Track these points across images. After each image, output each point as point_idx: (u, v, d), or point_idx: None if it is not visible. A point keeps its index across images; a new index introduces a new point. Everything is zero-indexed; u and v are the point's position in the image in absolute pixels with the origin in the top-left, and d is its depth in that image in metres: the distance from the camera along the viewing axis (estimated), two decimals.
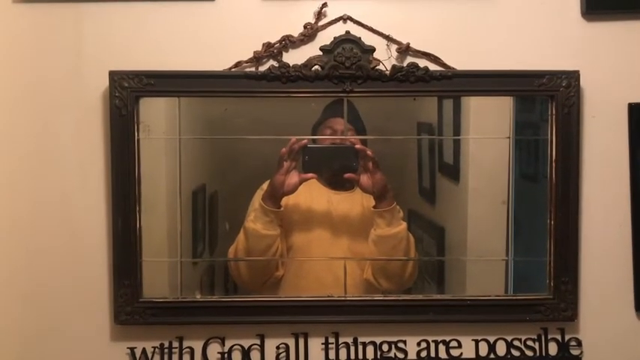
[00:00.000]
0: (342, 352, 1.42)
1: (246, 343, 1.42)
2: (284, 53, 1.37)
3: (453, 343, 1.43)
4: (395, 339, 1.43)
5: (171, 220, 1.42)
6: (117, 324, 1.38)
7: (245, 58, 1.36)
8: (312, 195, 1.44)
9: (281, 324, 1.40)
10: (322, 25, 1.37)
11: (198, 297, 1.43)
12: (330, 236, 1.44)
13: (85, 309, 1.41)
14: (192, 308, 1.40)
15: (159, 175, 1.42)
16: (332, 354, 1.42)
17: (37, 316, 1.42)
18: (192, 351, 1.42)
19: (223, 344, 1.42)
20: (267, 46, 1.36)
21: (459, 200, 1.45)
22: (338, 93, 1.35)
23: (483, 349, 1.43)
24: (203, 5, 1.37)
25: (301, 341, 1.42)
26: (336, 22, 1.37)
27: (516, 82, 1.36)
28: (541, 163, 1.39)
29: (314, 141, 1.40)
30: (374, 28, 1.37)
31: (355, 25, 1.37)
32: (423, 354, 1.43)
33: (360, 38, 1.34)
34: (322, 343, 1.42)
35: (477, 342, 1.43)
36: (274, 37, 1.36)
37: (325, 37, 1.36)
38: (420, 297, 1.43)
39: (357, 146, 1.38)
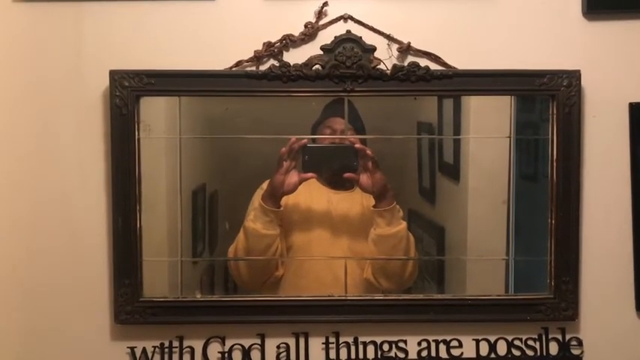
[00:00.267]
0: (343, 352, 1.42)
1: (246, 343, 1.42)
2: (285, 52, 1.37)
3: (454, 343, 1.43)
4: (395, 338, 1.43)
5: (171, 219, 1.41)
6: (117, 323, 1.38)
7: (246, 58, 1.36)
8: (311, 194, 1.44)
9: (281, 323, 1.40)
10: (323, 25, 1.37)
11: (198, 296, 1.43)
12: (329, 236, 1.44)
13: (85, 308, 1.41)
14: (193, 308, 1.40)
15: (159, 175, 1.42)
16: (332, 353, 1.42)
17: (38, 315, 1.42)
18: (192, 350, 1.42)
19: (224, 344, 1.42)
20: (268, 45, 1.36)
21: (459, 200, 1.45)
22: (339, 92, 1.35)
23: (484, 349, 1.43)
24: (203, 4, 1.37)
25: (302, 341, 1.42)
26: (336, 22, 1.37)
27: (517, 82, 1.36)
28: (541, 162, 1.39)
29: (314, 140, 1.40)
30: (375, 27, 1.37)
31: (356, 25, 1.37)
32: (424, 353, 1.43)
33: (360, 37, 1.34)
34: (323, 343, 1.42)
35: (477, 342, 1.43)
36: (275, 37, 1.36)
37: (326, 37, 1.36)
38: (421, 296, 1.43)
39: (357, 146, 1.38)
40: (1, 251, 1.41)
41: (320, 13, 1.37)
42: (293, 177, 1.39)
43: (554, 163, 1.36)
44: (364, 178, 1.40)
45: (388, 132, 1.42)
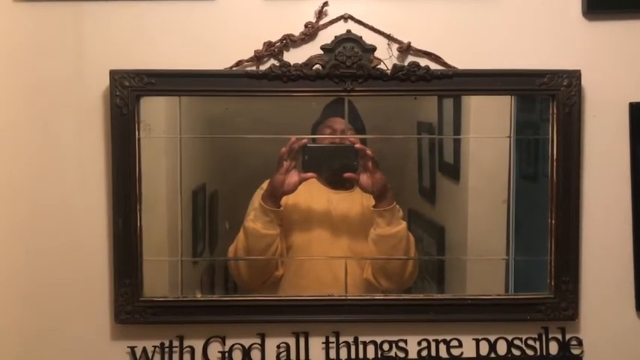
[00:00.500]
0: (343, 352, 1.42)
1: (246, 343, 1.42)
2: (285, 52, 1.37)
3: (454, 343, 1.43)
4: (395, 338, 1.43)
5: (171, 219, 1.41)
6: (117, 323, 1.38)
7: (246, 57, 1.36)
8: (311, 194, 1.44)
9: (281, 323, 1.40)
10: (323, 24, 1.37)
11: (198, 296, 1.43)
12: (329, 236, 1.44)
13: (85, 308, 1.41)
14: (193, 307, 1.40)
15: (159, 175, 1.42)
16: (332, 353, 1.42)
17: (38, 315, 1.42)
18: (192, 350, 1.42)
19: (224, 343, 1.42)
20: (268, 45, 1.36)
21: (460, 199, 1.45)
22: (339, 92, 1.35)
23: (484, 349, 1.43)
24: (204, 4, 1.37)
25: (302, 340, 1.42)
26: (337, 22, 1.37)
27: (517, 82, 1.36)
28: (541, 162, 1.39)
29: (314, 140, 1.40)
30: (375, 27, 1.37)
31: (356, 25, 1.37)
32: (424, 353, 1.43)
33: (361, 37, 1.34)
34: (323, 343, 1.42)
35: (477, 341, 1.43)
36: (275, 36, 1.36)
37: (326, 36, 1.36)
38: (421, 296, 1.43)
39: (357, 146, 1.38)
40: (1, 250, 1.41)
41: (320, 13, 1.37)
42: (293, 177, 1.39)
43: (555, 163, 1.36)
44: (364, 178, 1.40)
45: (388, 132, 1.42)
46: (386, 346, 1.43)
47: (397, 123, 1.42)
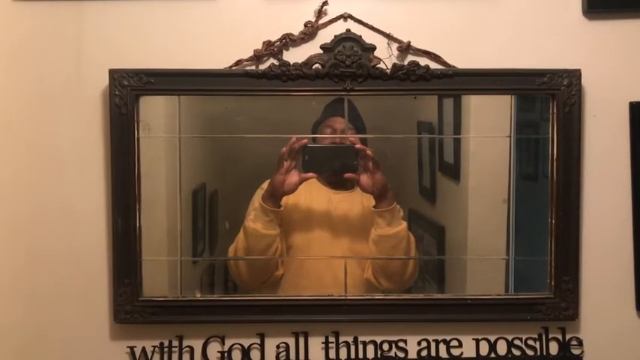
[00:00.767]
0: (343, 352, 1.42)
1: (246, 343, 1.42)
2: (284, 52, 1.37)
3: (454, 343, 1.43)
4: (395, 338, 1.43)
5: (171, 218, 1.41)
6: (117, 323, 1.38)
7: (245, 57, 1.36)
8: (312, 194, 1.44)
9: (281, 323, 1.40)
10: (323, 24, 1.37)
11: (198, 296, 1.42)
12: (330, 236, 1.44)
13: (84, 308, 1.41)
14: (192, 307, 1.40)
15: (159, 174, 1.41)
16: (332, 353, 1.42)
17: (37, 314, 1.42)
18: (192, 350, 1.41)
19: (223, 343, 1.42)
20: (268, 44, 1.36)
21: (460, 199, 1.45)
22: (338, 91, 1.35)
23: (484, 349, 1.43)
24: (203, 3, 1.37)
25: (301, 340, 1.42)
26: (336, 21, 1.37)
27: (517, 81, 1.36)
28: (542, 162, 1.39)
29: (314, 140, 1.40)
30: (374, 26, 1.37)
31: (356, 24, 1.37)
32: (424, 353, 1.43)
33: (360, 37, 1.34)
34: (322, 343, 1.42)
35: (477, 341, 1.43)
36: (275, 36, 1.36)
37: (326, 36, 1.36)
38: (421, 296, 1.43)
39: (357, 146, 1.38)
40: (1, 249, 1.41)
41: (320, 12, 1.37)
42: (293, 177, 1.39)
43: (555, 163, 1.36)
44: (364, 179, 1.39)
45: (388, 131, 1.41)
46: (386, 346, 1.42)
47: (397, 122, 1.42)
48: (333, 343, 1.42)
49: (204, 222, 1.47)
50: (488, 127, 1.42)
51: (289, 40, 1.37)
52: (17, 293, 1.41)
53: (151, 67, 1.34)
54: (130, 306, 1.37)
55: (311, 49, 1.36)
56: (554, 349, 1.43)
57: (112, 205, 1.36)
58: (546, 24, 1.38)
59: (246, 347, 1.42)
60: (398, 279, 1.44)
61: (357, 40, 1.34)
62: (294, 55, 1.36)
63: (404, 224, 1.42)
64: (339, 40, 1.33)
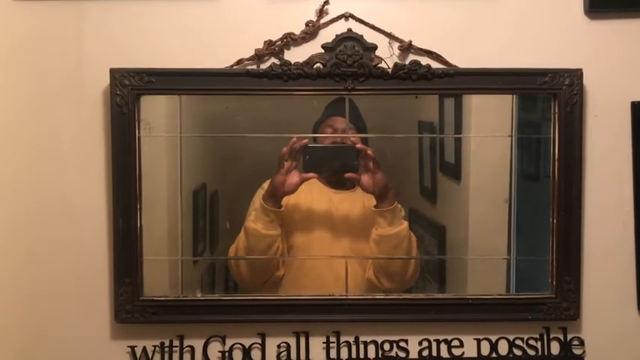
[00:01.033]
0: (344, 352, 1.42)
1: (247, 342, 1.42)
2: (286, 51, 1.37)
3: (455, 343, 1.43)
4: (396, 338, 1.42)
5: (172, 218, 1.41)
6: (117, 322, 1.38)
7: (246, 56, 1.36)
8: (312, 194, 1.43)
9: (282, 323, 1.40)
10: (324, 23, 1.37)
11: (199, 295, 1.42)
12: (331, 236, 1.44)
13: (85, 307, 1.41)
14: (193, 307, 1.40)
15: (160, 174, 1.41)
16: (333, 353, 1.42)
17: (38, 314, 1.41)
18: (192, 350, 1.41)
19: (224, 343, 1.42)
20: (269, 43, 1.36)
21: (461, 199, 1.45)
22: (340, 91, 1.35)
23: (485, 349, 1.43)
24: (204, 3, 1.37)
25: (302, 340, 1.42)
26: (337, 20, 1.37)
27: (519, 81, 1.35)
28: (543, 161, 1.39)
29: (315, 140, 1.40)
30: (376, 25, 1.36)
31: (357, 23, 1.36)
32: (425, 353, 1.42)
33: (362, 36, 1.34)
34: (323, 342, 1.42)
35: (478, 341, 1.43)
36: (276, 35, 1.36)
37: (327, 35, 1.36)
38: (422, 296, 1.42)
39: (358, 146, 1.38)
40: (2, 249, 1.40)
41: (321, 12, 1.37)
42: (294, 177, 1.39)
43: (556, 162, 1.36)
44: (365, 178, 1.39)
45: (389, 131, 1.41)
46: (387, 346, 1.42)
47: (398, 122, 1.42)
48: (334, 342, 1.42)
49: (205, 222, 1.47)
50: (489, 127, 1.42)
51: (290, 40, 1.36)
52: (17, 293, 1.41)
53: (151, 66, 1.34)
54: (131, 305, 1.37)
55: (312, 48, 1.36)
56: (555, 349, 1.43)
57: (112, 204, 1.35)
58: (548, 23, 1.38)
59: (247, 347, 1.41)
60: (399, 279, 1.44)
61: (358, 39, 1.33)
62: (296, 55, 1.36)
63: (405, 224, 1.42)
64: (341, 39, 1.33)
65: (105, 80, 1.34)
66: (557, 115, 1.35)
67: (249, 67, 1.36)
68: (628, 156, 1.39)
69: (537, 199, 1.41)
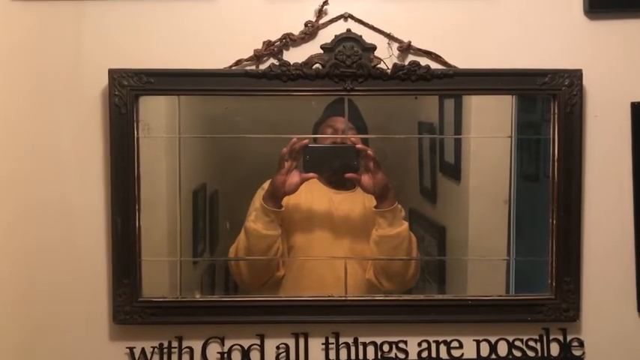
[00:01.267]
0: (343, 353, 1.42)
1: (245, 343, 1.41)
2: (284, 51, 1.37)
3: (454, 344, 1.43)
4: (396, 339, 1.42)
5: (171, 219, 1.41)
6: (116, 323, 1.38)
7: (245, 57, 1.36)
8: (313, 195, 1.43)
9: (281, 324, 1.40)
10: (323, 23, 1.37)
11: (197, 297, 1.42)
12: (331, 236, 1.43)
13: (83, 308, 1.41)
14: (192, 308, 1.40)
15: (159, 174, 1.41)
16: (332, 354, 1.42)
17: (36, 315, 1.41)
18: (191, 351, 1.41)
19: (223, 344, 1.42)
20: (268, 44, 1.36)
21: (460, 199, 1.45)
22: (339, 91, 1.35)
23: (485, 350, 1.42)
24: (203, 3, 1.37)
25: (301, 341, 1.42)
26: (337, 20, 1.37)
27: (518, 81, 1.35)
28: (543, 162, 1.39)
29: (315, 140, 1.40)
30: (375, 26, 1.36)
31: (356, 24, 1.36)
32: (424, 354, 1.42)
33: (361, 36, 1.34)
34: (322, 344, 1.42)
35: (478, 342, 1.42)
36: (275, 36, 1.36)
37: (326, 36, 1.36)
38: (421, 297, 1.42)
39: (358, 146, 1.37)
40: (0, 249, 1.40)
41: (320, 12, 1.37)
42: (294, 177, 1.39)
43: (556, 163, 1.36)
44: (366, 179, 1.39)
45: (389, 131, 1.41)
46: (386, 347, 1.42)
47: (398, 123, 1.42)
48: (333, 344, 1.42)
49: (205, 222, 1.46)
50: (489, 128, 1.42)
51: (289, 40, 1.36)
52: (16, 294, 1.41)
53: (150, 66, 1.34)
54: (130, 307, 1.37)
55: (311, 49, 1.36)
56: (555, 350, 1.42)
57: (111, 205, 1.35)
58: (547, 24, 1.38)
59: (245, 348, 1.41)
60: (399, 280, 1.43)
61: (357, 40, 1.33)
62: (295, 55, 1.36)
63: (405, 225, 1.41)
64: (340, 39, 1.33)
65: (103, 81, 1.33)
66: (556, 115, 1.35)
67: (248, 68, 1.36)
68: (628, 156, 1.39)
69: (537, 200, 1.41)
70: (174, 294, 1.41)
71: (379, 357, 1.42)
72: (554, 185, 1.36)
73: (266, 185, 1.41)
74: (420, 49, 1.36)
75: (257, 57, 1.36)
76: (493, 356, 1.42)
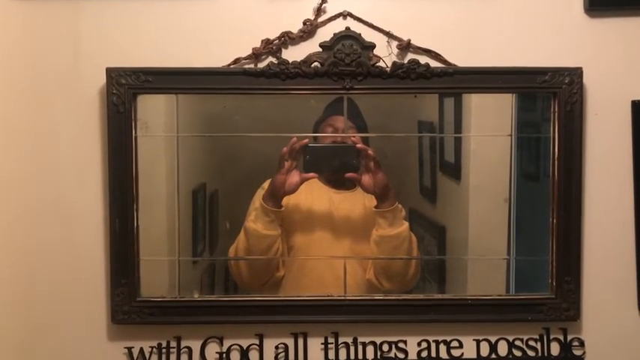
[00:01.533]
0: (342, 353, 1.41)
1: (244, 343, 1.41)
2: (283, 50, 1.37)
3: (454, 343, 1.42)
4: (395, 339, 1.42)
5: (170, 218, 1.41)
6: (114, 323, 1.37)
7: (244, 55, 1.35)
8: (313, 194, 1.43)
9: (280, 324, 1.40)
10: (322, 22, 1.37)
11: (196, 296, 1.42)
12: (331, 236, 1.43)
13: (82, 308, 1.41)
14: (190, 308, 1.39)
15: (157, 173, 1.41)
16: (331, 354, 1.41)
17: (34, 315, 1.41)
18: (190, 351, 1.41)
19: (222, 344, 1.41)
20: (266, 42, 1.35)
21: (460, 199, 1.44)
22: (338, 90, 1.35)
23: (485, 349, 1.42)
24: (202, 1, 1.36)
25: (300, 341, 1.41)
26: (335, 19, 1.36)
27: (518, 79, 1.35)
28: (543, 161, 1.39)
29: (315, 140, 1.39)
30: (374, 24, 1.36)
31: (355, 22, 1.36)
32: (424, 354, 1.42)
33: (360, 34, 1.33)
34: (322, 343, 1.41)
35: (478, 342, 1.42)
36: (273, 34, 1.36)
37: (325, 34, 1.35)
38: (421, 296, 1.42)
39: (359, 146, 1.37)
40: None
41: (319, 10, 1.36)
42: (294, 177, 1.38)
43: (556, 162, 1.35)
44: (366, 179, 1.39)
45: (389, 130, 1.41)
46: (385, 347, 1.42)
47: (398, 121, 1.42)
48: (332, 343, 1.41)
49: (205, 222, 1.46)
50: (489, 126, 1.41)
51: (288, 39, 1.36)
52: (14, 293, 1.41)
53: (148, 65, 1.33)
54: (128, 306, 1.36)
55: (310, 47, 1.35)
56: (555, 349, 1.42)
57: (109, 204, 1.35)
58: (548, 22, 1.37)
59: (244, 348, 1.41)
60: (400, 280, 1.43)
61: (356, 38, 1.33)
62: (293, 54, 1.35)
63: (406, 225, 1.41)
64: (339, 38, 1.33)
65: (101, 79, 1.33)
66: (557, 114, 1.35)
67: (247, 66, 1.35)
68: (628, 155, 1.39)
69: (537, 199, 1.41)
70: (172, 294, 1.41)
71: (379, 357, 1.42)
72: (555, 184, 1.36)
73: (266, 185, 1.40)
74: (419, 47, 1.36)
75: (256, 55, 1.35)
76: (493, 356, 1.42)
